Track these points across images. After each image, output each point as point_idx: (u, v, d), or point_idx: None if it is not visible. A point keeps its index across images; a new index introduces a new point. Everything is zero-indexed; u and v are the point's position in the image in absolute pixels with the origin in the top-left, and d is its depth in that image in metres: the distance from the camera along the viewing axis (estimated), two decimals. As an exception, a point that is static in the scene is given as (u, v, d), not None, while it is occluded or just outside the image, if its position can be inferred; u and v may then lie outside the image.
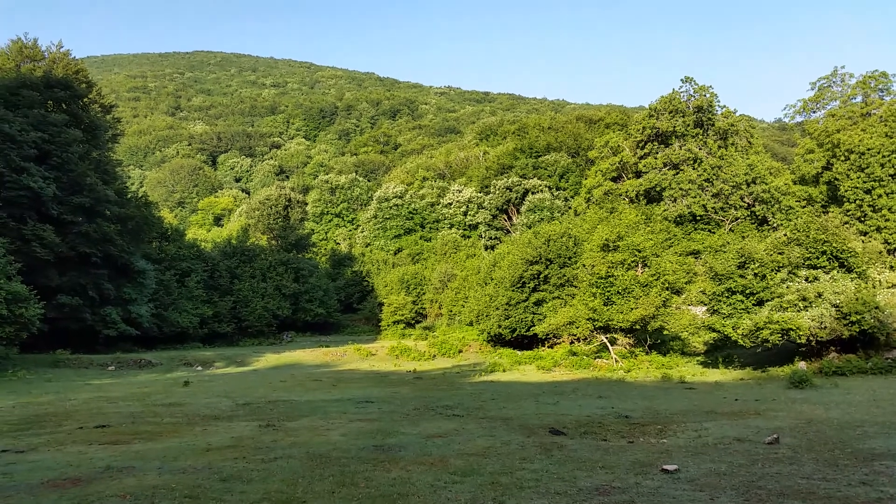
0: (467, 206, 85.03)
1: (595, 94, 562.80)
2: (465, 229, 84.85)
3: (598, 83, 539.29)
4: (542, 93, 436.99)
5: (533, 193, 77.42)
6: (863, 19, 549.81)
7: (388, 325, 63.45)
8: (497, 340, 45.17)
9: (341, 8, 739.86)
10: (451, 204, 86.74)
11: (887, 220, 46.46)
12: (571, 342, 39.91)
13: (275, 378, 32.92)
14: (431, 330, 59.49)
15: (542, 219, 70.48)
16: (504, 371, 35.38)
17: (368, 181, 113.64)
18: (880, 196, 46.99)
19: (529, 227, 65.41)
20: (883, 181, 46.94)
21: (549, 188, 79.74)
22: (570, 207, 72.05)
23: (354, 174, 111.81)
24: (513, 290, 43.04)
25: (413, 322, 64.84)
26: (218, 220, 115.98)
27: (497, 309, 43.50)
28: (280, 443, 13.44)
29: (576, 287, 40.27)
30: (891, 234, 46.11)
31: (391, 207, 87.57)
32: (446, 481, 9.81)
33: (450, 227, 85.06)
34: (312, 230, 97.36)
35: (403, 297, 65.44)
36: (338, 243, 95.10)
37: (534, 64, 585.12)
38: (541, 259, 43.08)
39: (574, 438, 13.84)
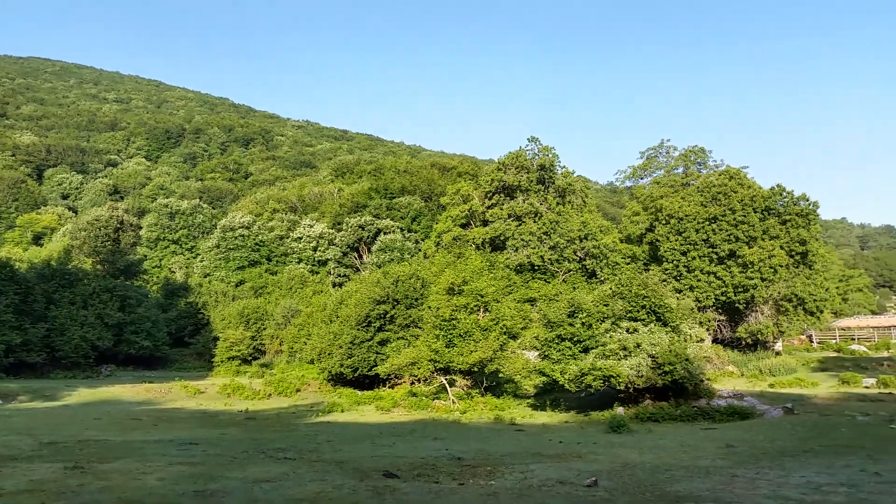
0: (318, 242, 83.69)
1: (450, 143, 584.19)
2: (314, 265, 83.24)
3: (453, 133, 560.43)
4: (400, 136, 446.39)
5: (385, 234, 77.91)
6: (687, 95, 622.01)
7: (223, 361, 60.02)
8: (338, 380, 44.28)
9: (195, 28, 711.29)
10: (301, 238, 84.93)
11: (699, 280, 51.84)
12: (412, 383, 40.10)
13: (88, 415, 29.82)
14: (269, 367, 57.09)
15: (392, 259, 70.96)
16: (343, 411, 34.66)
17: (213, 209, 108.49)
18: (694, 258, 52.42)
19: (379, 267, 65.56)
20: (697, 245, 52.47)
21: (402, 229, 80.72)
22: (420, 250, 73.28)
23: (198, 200, 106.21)
24: (358, 329, 42.61)
25: (250, 359, 61.85)
26: (38, 239, 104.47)
27: (341, 347, 42.77)
28: (88, 487, 12.12)
29: (420, 328, 40.70)
30: (702, 293, 51.43)
31: (237, 237, 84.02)
32: (270, 529, 9.30)
33: (298, 262, 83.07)
34: (145, 256, 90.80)
35: (242, 331, 62.41)
36: (173, 272, 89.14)
37: (394, 108, 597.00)
38: (388, 299, 43.19)
39: (407, 481, 13.76)
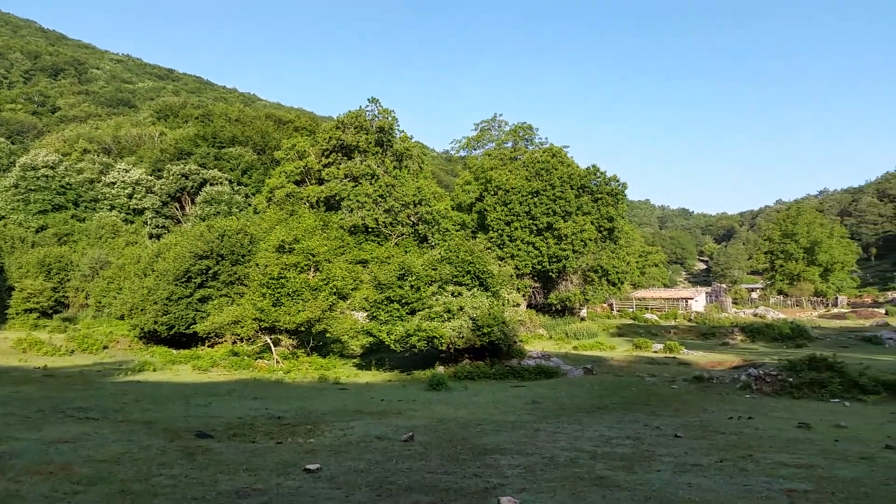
0: (134, 189, 76.99)
1: (287, 96, 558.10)
2: (128, 213, 76.58)
3: (291, 86, 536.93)
4: (233, 82, 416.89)
5: (211, 185, 73.53)
6: (521, 71, 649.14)
7: (18, 314, 53.81)
8: (152, 338, 41.67)
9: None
10: (114, 183, 77.59)
11: (519, 250, 55.17)
12: (234, 342, 38.79)
13: None
14: (73, 322, 52.18)
15: (218, 212, 67.36)
16: (155, 371, 32.77)
17: (13, 144, 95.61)
18: (516, 229, 55.61)
19: (203, 220, 61.96)
20: (520, 216, 55.66)
21: (230, 182, 76.63)
22: (250, 205, 70.30)
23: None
24: (176, 285, 40.23)
25: (51, 312, 56.02)
26: None
27: (156, 303, 40.16)
28: None
29: (246, 286, 39.36)
30: (521, 262, 54.83)
31: (39, 178, 74.81)
32: (66, 491, 8.73)
33: (110, 209, 75.92)
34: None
35: (42, 282, 56.21)
36: (-43, 213, 77.69)
37: (227, 51, 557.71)
38: (212, 254, 41.16)
39: (222, 441, 13.46)
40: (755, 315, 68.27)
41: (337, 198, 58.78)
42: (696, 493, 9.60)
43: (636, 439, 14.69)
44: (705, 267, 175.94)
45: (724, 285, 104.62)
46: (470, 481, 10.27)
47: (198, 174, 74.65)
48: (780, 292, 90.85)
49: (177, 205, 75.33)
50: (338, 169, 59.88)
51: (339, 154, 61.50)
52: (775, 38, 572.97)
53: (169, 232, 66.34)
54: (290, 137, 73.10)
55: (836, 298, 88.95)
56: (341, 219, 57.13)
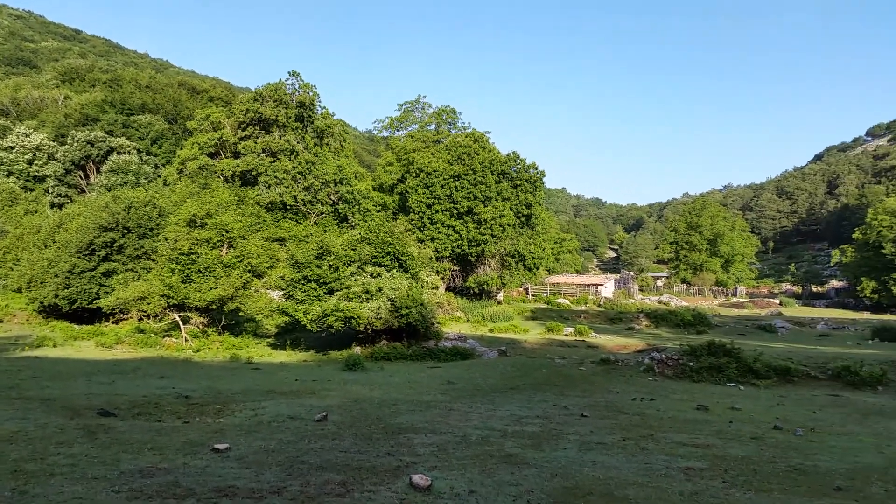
0: (35, 154, 71.86)
1: (202, 65, 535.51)
2: (28, 180, 71.53)
3: (207, 54, 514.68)
4: (144, 47, 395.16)
5: (119, 153, 69.65)
6: (446, 54, 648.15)
7: None
8: (52, 312, 39.37)
9: None
10: (13, 148, 72.14)
11: (439, 232, 55.48)
12: (140, 319, 37.17)
13: None
14: (-39, 295, 48.54)
15: (125, 183, 64.01)
16: (55, 346, 31.05)
17: None
18: (437, 212, 55.85)
19: (109, 190, 58.78)
20: (441, 199, 55.90)
21: (139, 151, 72.80)
22: (159, 176, 67.12)
23: None
24: (79, 257, 38.09)
25: (-65, 284, 51.89)
26: None
27: (57, 276, 37.90)
28: None
29: (154, 261, 37.74)
30: (441, 245, 55.17)
31: (-79, 137, 68.80)
32: (-51, 474, 8.19)
33: (7, 176, 70.61)
34: None
35: (-76, 251, 51.91)
36: None
37: (139, 13, 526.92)
38: (118, 226, 39.17)
39: (125, 420, 12.98)
40: (660, 302, 71.69)
41: (254, 172, 57.05)
42: (599, 471, 10.07)
43: (545, 418, 15.21)
44: (615, 255, 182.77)
45: (632, 273, 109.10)
46: (383, 460, 10.36)
47: (104, 142, 70.55)
48: (683, 281, 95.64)
49: (81, 173, 71.06)
50: (255, 143, 58.04)
51: (257, 127, 59.60)
52: (683, 34, 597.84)
53: (72, 202, 62.60)
54: (205, 108, 70.14)
55: (736, 288, 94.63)
56: (258, 195, 55.55)
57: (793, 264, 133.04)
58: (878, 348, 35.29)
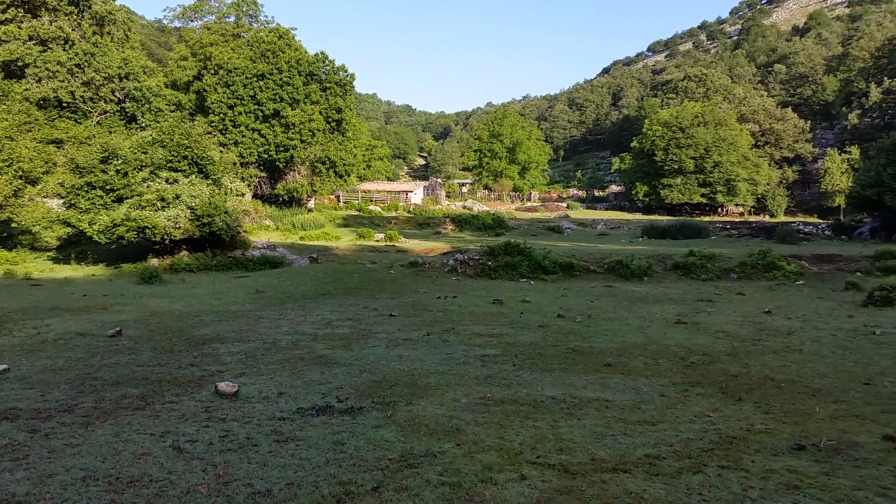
0: None
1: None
2: None
3: None
4: None
5: None
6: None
7: None
8: None
9: None
10: None
11: (244, 136, 52.43)
12: None
13: None
14: None
15: None
16: None
17: None
18: (240, 114, 52.49)
19: None
20: (244, 100, 52.48)
21: None
22: None
23: None
24: None
25: None
26: None
27: None
28: None
29: None
30: (246, 149, 52.30)
31: None
32: None
33: None
34: None
35: None
36: None
37: None
38: None
39: None
40: (464, 207, 75.24)
41: (19, 63, 48.81)
42: (405, 364, 10.67)
43: (355, 320, 15.62)
44: (424, 162, 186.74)
45: (439, 180, 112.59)
46: (185, 371, 10.07)
47: None
48: (485, 187, 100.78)
49: None
50: (19, 28, 49.39)
51: (20, 10, 50.58)
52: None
53: None
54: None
55: (531, 193, 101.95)
56: (26, 90, 47.90)
57: (580, 171, 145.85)
58: (646, 245, 40.42)
